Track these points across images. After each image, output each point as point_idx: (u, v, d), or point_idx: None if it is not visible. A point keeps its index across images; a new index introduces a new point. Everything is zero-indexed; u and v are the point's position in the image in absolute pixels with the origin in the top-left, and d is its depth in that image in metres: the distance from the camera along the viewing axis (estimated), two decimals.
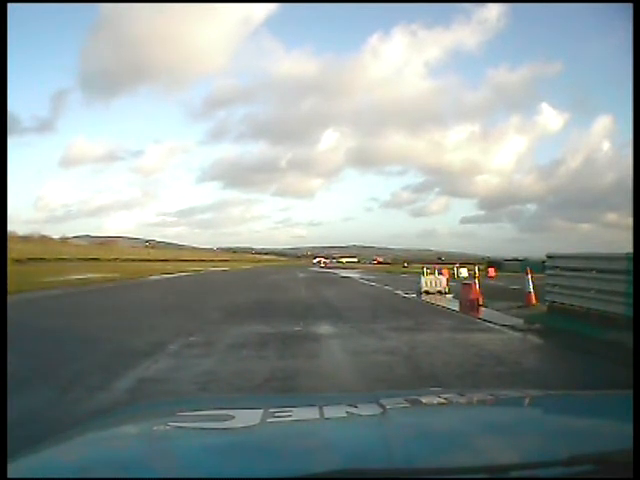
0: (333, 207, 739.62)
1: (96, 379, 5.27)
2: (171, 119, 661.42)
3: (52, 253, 50.42)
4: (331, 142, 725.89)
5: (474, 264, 29.66)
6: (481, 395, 1.79)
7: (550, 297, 10.22)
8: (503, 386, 5.26)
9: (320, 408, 1.34)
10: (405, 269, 54.64)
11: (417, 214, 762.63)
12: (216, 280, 30.82)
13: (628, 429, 1.02)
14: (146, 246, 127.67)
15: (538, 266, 14.23)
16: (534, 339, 8.38)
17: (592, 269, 8.87)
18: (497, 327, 9.47)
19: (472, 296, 12.98)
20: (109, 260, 57.90)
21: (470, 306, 12.54)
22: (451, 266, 34.43)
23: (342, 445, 1.10)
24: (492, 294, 14.63)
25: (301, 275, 37.02)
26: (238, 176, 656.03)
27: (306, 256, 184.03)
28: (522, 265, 31.12)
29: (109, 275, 27.99)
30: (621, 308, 7.65)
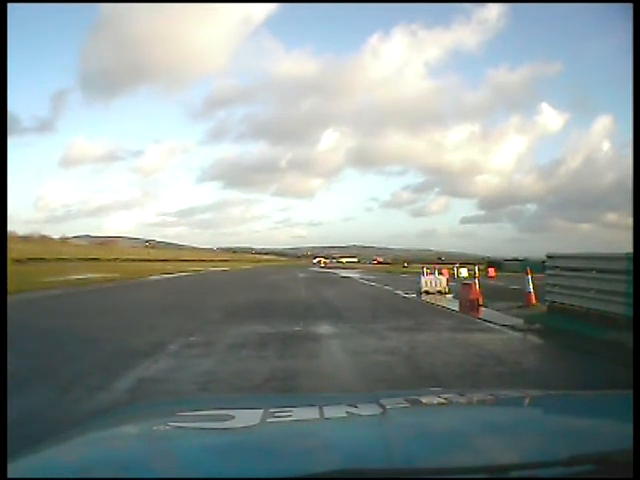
0: (333, 207, 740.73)
1: (96, 379, 5.27)
2: (171, 119, 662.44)
3: (52, 253, 50.42)
4: (331, 142, 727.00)
5: (474, 264, 29.74)
6: (481, 395, 1.79)
7: (550, 297, 10.22)
8: (503, 386, 5.26)
9: (320, 408, 1.34)
10: (405, 269, 54.64)
11: (417, 214, 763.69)
12: (216, 280, 30.82)
13: (628, 429, 1.02)
14: (146, 246, 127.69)
15: (538, 266, 14.24)
16: (534, 339, 8.38)
17: (592, 269, 8.87)
18: (497, 327, 9.47)
19: (472, 296, 12.97)
20: (109, 260, 57.90)
21: (470, 306, 12.53)
22: (451, 266, 34.46)
23: (342, 445, 1.10)
24: (492, 294, 14.63)
25: (301, 275, 37.02)
26: (238, 176, 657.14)
27: (306, 256, 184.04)
28: (522, 265, 31.14)
29: (109, 275, 27.99)
30: (621, 308, 7.65)
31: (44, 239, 76.32)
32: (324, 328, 9.12)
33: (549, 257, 10.64)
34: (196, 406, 1.68)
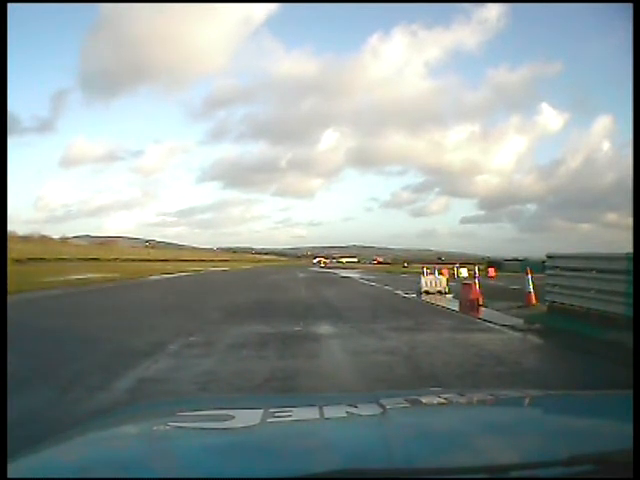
0: (333, 207, 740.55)
1: (96, 379, 5.27)
2: (171, 119, 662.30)
3: (52, 253, 50.40)
4: (331, 142, 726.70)
5: (474, 264, 29.73)
6: (481, 395, 1.79)
7: (550, 297, 10.22)
8: (503, 386, 5.26)
9: (320, 408, 1.34)
10: (405, 269, 54.65)
11: (417, 214, 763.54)
12: (216, 280, 30.82)
13: (628, 429, 1.02)
14: (146, 246, 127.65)
15: (538, 266, 14.23)
16: (534, 339, 8.38)
17: (592, 269, 8.87)
18: (497, 327, 9.47)
19: (472, 296, 12.97)
20: (109, 260, 57.88)
21: (470, 306, 12.53)
22: (451, 266, 34.47)
23: (342, 445, 1.10)
24: (492, 294, 14.63)
25: (301, 275, 37.03)
26: (238, 176, 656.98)
27: (306, 256, 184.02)
28: (522, 265, 31.13)
29: (109, 275, 27.99)
30: (621, 308, 7.65)
31: (44, 239, 76.30)
32: (324, 328, 9.12)
33: (549, 257, 10.63)
34: (196, 406, 1.68)
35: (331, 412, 1.33)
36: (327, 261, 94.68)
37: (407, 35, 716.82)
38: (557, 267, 10.16)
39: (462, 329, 9.29)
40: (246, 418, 1.27)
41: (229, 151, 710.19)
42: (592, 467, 0.89)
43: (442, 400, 1.58)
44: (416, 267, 44.57)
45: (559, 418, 1.39)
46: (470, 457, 1.01)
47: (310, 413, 1.34)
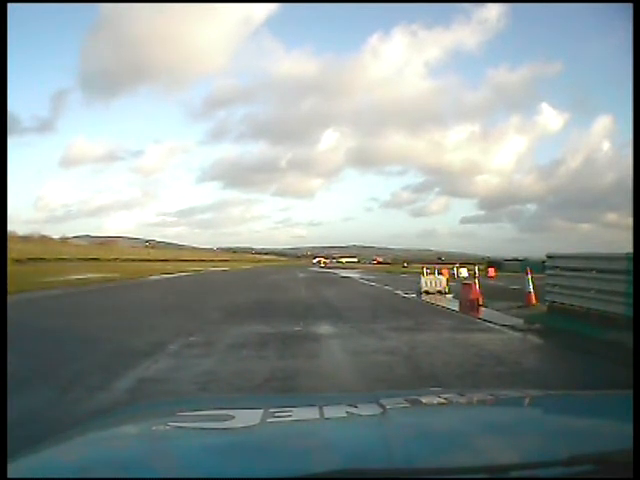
0: (333, 207, 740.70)
1: (96, 379, 5.27)
2: (171, 119, 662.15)
3: (52, 253, 50.37)
4: (331, 142, 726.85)
5: (474, 264, 29.65)
6: (481, 395, 1.79)
7: (550, 297, 10.22)
8: (503, 386, 5.26)
9: (320, 408, 1.34)
10: (405, 269, 54.63)
11: (417, 214, 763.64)
12: (216, 280, 30.82)
13: (628, 429, 1.02)
14: (146, 246, 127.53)
15: (538, 266, 14.22)
16: (534, 339, 8.38)
17: (592, 269, 8.87)
18: (497, 327, 9.47)
19: (472, 296, 12.97)
20: (109, 260, 57.86)
21: (470, 306, 12.54)
22: (451, 266, 34.44)
23: (342, 445, 1.10)
24: (492, 294, 14.63)
25: (301, 275, 37.02)
26: (238, 176, 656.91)
27: (306, 256, 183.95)
28: (522, 265, 31.10)
29: (109, 275, 27.99)
30: (621, 308, 7.65)
31: (44, 239, 76.19)
32: (324, 328, 9.12)
33: (549, 257, 10.64)
34: (196, 406, 1.68)
35: (331, 412, 1.33)
36: (327, 261, 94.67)
37: (407, 35, 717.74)
38: (557, 267, 10.16)
39: (462, 329, 9.29)
40: (246, 418, 1.27)
41: (229, 151, 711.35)
42: (592, 467, 0.89)
43: (442, 400, 1.58)
44: (416, 267, 44.55)
45: (559, 418, 1.39)
46: (470, 457, 1.01)
47: (310, 413, 1.34)
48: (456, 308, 12.89)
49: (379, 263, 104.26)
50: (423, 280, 17.81)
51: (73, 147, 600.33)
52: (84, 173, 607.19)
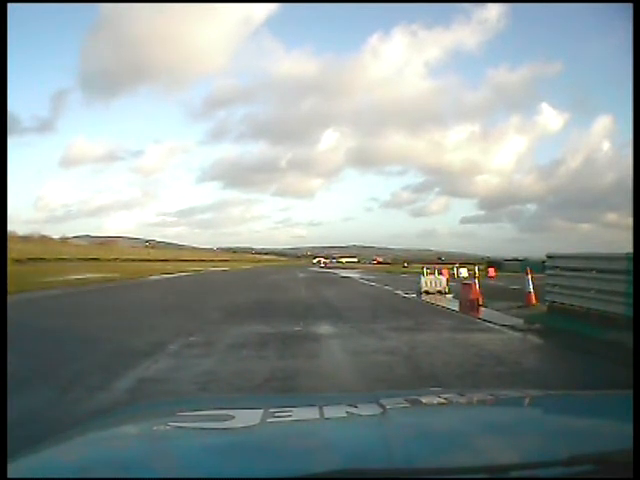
0: (333, 207, 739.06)
1: (96, 379, 5.27)
2: (171, 119, 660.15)
3: (52, 253, 50.38)
4: (331, 142, 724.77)
5: (474, 264, 29.72)
6: (481, 395, 1.79)
7: (550, 297, 10.22)
8: (503, 386, 5.26)
9: (320, 408, 1.34)
10: (405, 269, 54.64)
11: (417, 214, 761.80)
12: (216, 280, 30.83)
13: (628, 429, 1.02)
14: (146, 246, 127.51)
15: (538, 266, 14.23)
16: (534, 339, 8.38)
17: (592, 269, 8.87)
18: (497, 327, 9.47)
19: (472, 296, 12.98)
20: (109, 260, 57.87)
21: (470, 306, 12.54)
22: (451, 266, 34.45)
23: (342, 445, 1.10)
24: (492, 294, 14.63)
25: (301, 275, 37.04)
26: (238, 176, 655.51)
27: (306, 256, 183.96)
28: (522, 265, 31.11)
29: (109, 275, 28.00)
30: (621, 308, 7.65)
31: (44, 239, 76.18)
32: (324, 328, 9.12)
33: (549, 257, 10.64)
34: (196, 406, 1.68)
35: (331, 412, 1.33)
36: (327, 261, 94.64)
37: (407, 35, 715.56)
38: (557, 267, 10.16)
39: (462, 329, 9.29)
40: (246, 418, 1.27)
41: (229, 151, 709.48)
42: (592, 467, 0.89)
43: (442, 400, 1.58)
44: (416, 267, 44.56)
45: (559, 418, 1.39)
46: (470, 457, 1.01)
47: (310, 413, 1.34)
48: (456, 308, 12.89)
49: (379, 263, 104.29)
50: (423, 280, 17.81)
51: (73, 147, 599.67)
52: (84, 173, 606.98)
